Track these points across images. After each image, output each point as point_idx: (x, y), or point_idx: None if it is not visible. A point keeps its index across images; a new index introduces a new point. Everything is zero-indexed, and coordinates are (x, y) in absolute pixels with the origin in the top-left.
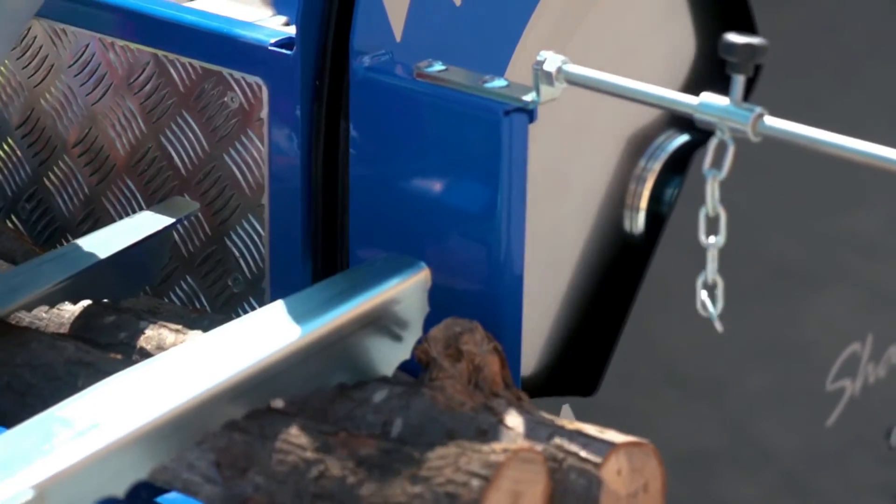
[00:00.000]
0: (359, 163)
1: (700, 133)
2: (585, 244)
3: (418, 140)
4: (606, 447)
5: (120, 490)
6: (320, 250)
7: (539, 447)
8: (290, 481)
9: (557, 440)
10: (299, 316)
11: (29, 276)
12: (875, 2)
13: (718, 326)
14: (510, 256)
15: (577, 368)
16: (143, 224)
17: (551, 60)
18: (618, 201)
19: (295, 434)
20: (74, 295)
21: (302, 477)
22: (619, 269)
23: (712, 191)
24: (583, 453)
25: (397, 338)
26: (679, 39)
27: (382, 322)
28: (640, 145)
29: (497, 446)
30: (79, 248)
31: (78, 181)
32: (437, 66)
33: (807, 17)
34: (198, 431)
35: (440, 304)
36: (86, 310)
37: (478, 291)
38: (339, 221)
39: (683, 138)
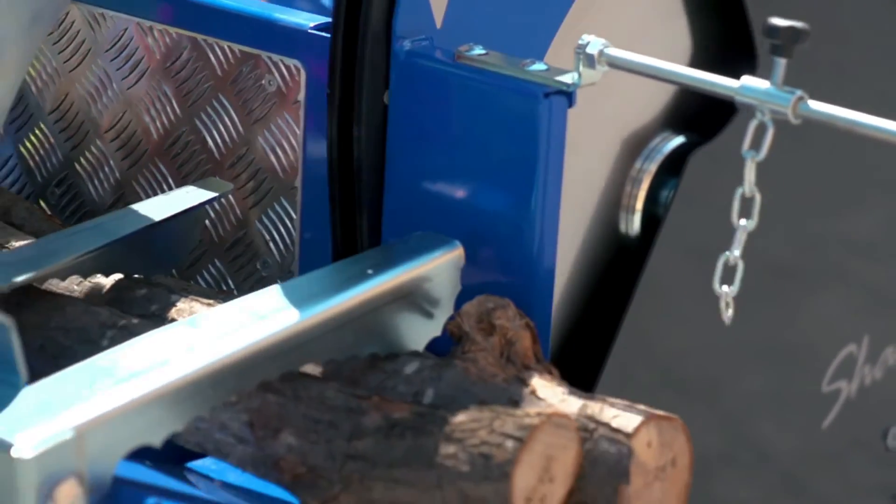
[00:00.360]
0: (395, 146)
1: (696, 135)
2: (581, 245)
3: (456, 123)
4: (637, 419)
5: (157, 440)
6: (342, 234)
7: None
8: (322, 442)
9: (589, 411)
10: (333, 285)
11: (63, 243)
12: (872, 2)
13: (727, 318)
14: (543, 239)
15: (573, 370)
16: (178, 200)
17: (594, 44)
18: (613, 203)
19: (329, 397)
20: (107, 265)
21: (335, 438)
22: (615, 271)
23: (750, 172)
24: (614, 424)
25: (428, 314)
26: (675, 40)
27: (414, 297)
28: (635, 147)
29: (531, 410)
30: (113, 219)
31: (110, 166)
32: (478, 50)
33: (802, 18)
34: (234, 388)
35: (471, 288)
36: (117, 283)
37: (510, 274)
38: (356, 206)
39: (679, 140)
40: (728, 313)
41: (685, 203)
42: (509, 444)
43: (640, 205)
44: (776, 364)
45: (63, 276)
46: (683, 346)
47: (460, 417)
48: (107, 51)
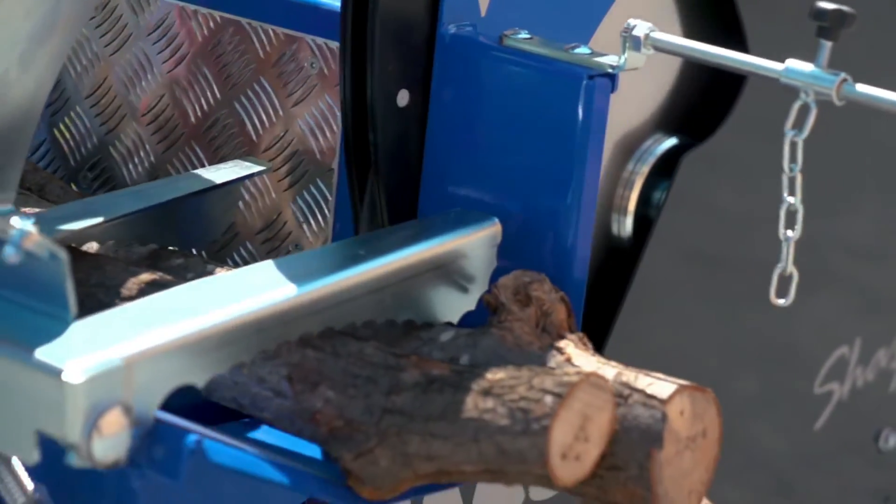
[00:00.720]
0: (436, 128)
1: (688, 137)
2: None
3: (499, 106)
4: (672, 386)
5: (201, 380)
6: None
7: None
8: (360, 396)
9: (624, 378)
10: (375, 248)
11: (104, 204)
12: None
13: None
14: (580, 216)
15: None
16: (217, 174)
17: (640, 27)
18: (606, 205)
19: (368, 354)
20: (145, 229)
21: (373, 392)
22: (608, 273)
23: (791, 151)
24: (649, 390)
25: (464, 287)
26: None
27: (451, 269)
28: (628, 149)
29: (570, 370)
30: (154, 187)
31: (145, 150)
32: (523, 35)
33: (794, 18)
34: (277, 338)
35: (505, 271)
36: (154, 251)
37: (545, 256)
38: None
39: (671, 142)
40: (789, 296)
41: (677, 205)
42: (548, 399)
43: (632, 207)
44: (768, 366)
45: (101, 240)
46: (676, 347)
47: (499, 375)
48: (148, 35)
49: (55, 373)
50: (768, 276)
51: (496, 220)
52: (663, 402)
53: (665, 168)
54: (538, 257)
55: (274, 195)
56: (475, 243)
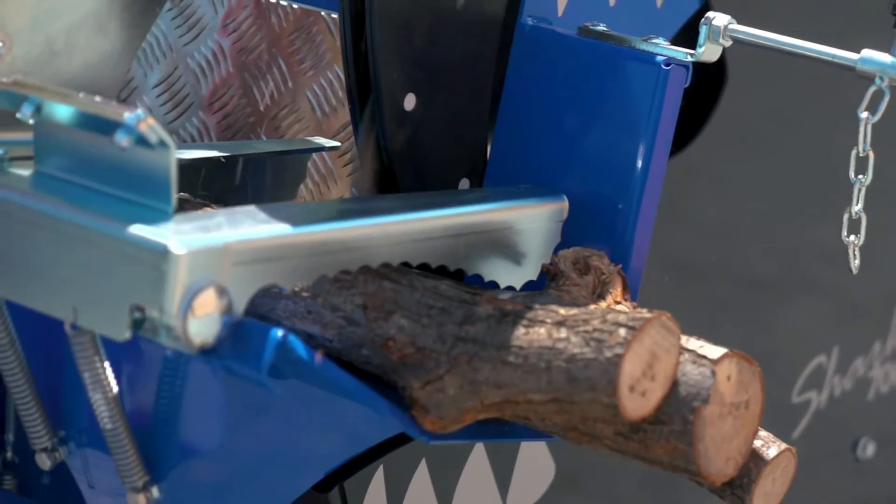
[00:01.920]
0: (507, 110)
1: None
2: None
3: (574, 92)
4: (722, 350)
5: (289, 283)
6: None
7: None
8: (434, 325)
9: None
10: (451, 201)
11: (184, 147)
12: None
13: (854, 267)
14: (643, 201)
15: None
16: (289, 144)
17: (720, 18)
18: None
19: (443, 289)
20: (215, 181)
21: (447, 322)
22: None
23: (864, 132)
24: (700, 351)
25: (528, 255)
26: None
27: (518, 235)
28: None
29: (642, 310)
30: (230, 143)
31: (209, 137)
32: (601, 27)
33: (766, 17)
34: (360, 259)
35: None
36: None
37: (606, 234)
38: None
39: None
40: (855, 262)
41: (658, 212)
42: (622, 331)
43: None
44: None
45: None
46: None
47: (573, 311)
48: (224, 26)
49: (159, 246)
50: (746, 285)
51: (564, 196)
52: (713, 361)
53: None
54: (598, 240)
55: (337, 181)
56: (543, 214)
